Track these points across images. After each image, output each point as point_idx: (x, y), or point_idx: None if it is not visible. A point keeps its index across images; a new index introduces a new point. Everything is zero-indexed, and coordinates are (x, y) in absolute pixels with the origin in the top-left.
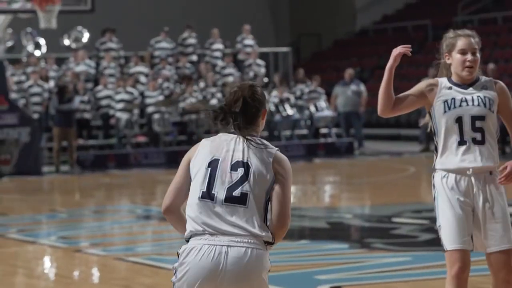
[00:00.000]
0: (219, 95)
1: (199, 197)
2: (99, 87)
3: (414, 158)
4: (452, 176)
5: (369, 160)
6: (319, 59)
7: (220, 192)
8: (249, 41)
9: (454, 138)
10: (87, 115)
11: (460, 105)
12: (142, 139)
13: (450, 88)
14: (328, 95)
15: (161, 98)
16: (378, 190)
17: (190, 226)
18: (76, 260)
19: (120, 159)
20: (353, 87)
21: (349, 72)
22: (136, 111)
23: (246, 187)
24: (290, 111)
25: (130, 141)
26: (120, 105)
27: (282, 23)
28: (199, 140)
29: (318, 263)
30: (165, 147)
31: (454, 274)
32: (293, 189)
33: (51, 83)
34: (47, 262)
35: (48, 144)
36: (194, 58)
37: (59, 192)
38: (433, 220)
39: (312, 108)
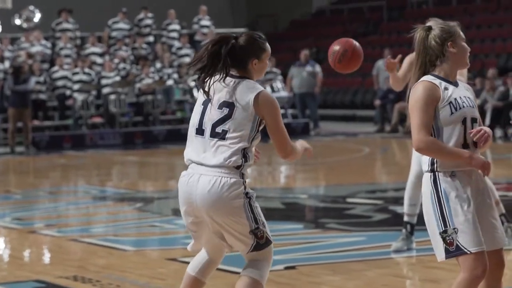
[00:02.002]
0: (175, 75)
1: (194, 133)
2: (55, 68)
3: (369, 139)
4: (460, 177)
5: (325, 140)
6: (276, 40)
7: (207, 128)
8: (206, 22)
9: (459, 142)
10: (42, 96)
11: (463, 106)
12: (98, 120)
13: (446, 88)
14: (285, 76)
15: (117, 79)
16: (333, 171)
17: (186, 156)
18: (31, 241)
19: (76, 140)
20: (308, 68)
21: (304, 53)
22: (93, 92)
23: (228, 124)
24: None
25: (86, 122)
26: (77, 86)
27: (238, 4)
28: (155, 121)
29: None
30: (121, 128)
31: (477, 277)
32: (248, 170)
33: (6, 64)
34: (1, 243)
35: (3, 125)
36: (151, 39)
37: (14, 173)
38: (388, 200)
39: (268, 89)
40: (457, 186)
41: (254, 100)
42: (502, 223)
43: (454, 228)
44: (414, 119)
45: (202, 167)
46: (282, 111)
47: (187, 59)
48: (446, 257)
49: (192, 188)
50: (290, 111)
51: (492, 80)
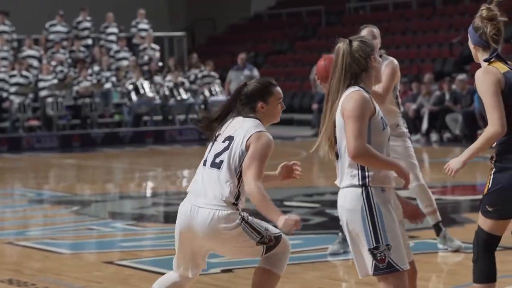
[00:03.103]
0: (113, 79)
1: (202, 163)
2: None
3: (306, 143)
4: (388, 193)
5: None
6: (214, 43)
7: (209, 158)
8: (144, 25)
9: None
10: None
11: (386, 125)
12: (35, 122)
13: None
14: (223, 79)
15: (55, 81)
16: None
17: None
18: None
19: (12, 143)
20: (246, 72)
21: (241, 57)
22: (30, 95)
23: (225, 155)
24: (184, 95)
25: (23, 125)
26: (14, 89)
27: (177, 8)
28: (92, 124)
29: None
30: (59, 131)
31: None
32: (185, 173)
33: None
34: None
35: None
36: (89, 41)
37: None
38: (324, 203)
39: (206, 93)
40: (387, 202)
41: (250, 138)
42: (440, 230)
43: (387, 245)
44: (351, 127)
45: (200, 198)
46: None
47: (125, 62)
48: (374, 274)
49: (191, 218)
50: None
51: (428, 85)
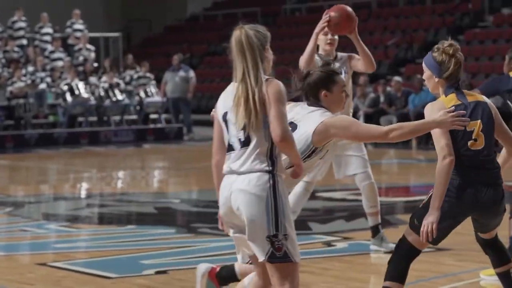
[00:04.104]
0: (48, 79)
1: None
2: None
3: None
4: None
5: (198, 145)
6: (150, 44)
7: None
8: (79, 25)
9: None
10: None
11: None
12: None
13: None
14: (159, 81)
15: None
16: (206, 176)
17: None
18: None
19: None
20: (181, 73)
21: (176, 58)
22: None
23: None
24: (119, 96)
25: None
26: None
27: (113, 8)
28: (26, 125)
29: (144, 248)
30: None
31: (298, 285)
32: (120, 174)
33: None
34: None
35: None
36: (23, 42)
37: None
38: None
39: (142, 94)
40: (286, 191)
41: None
42: (378, 232)
43: (285, 235)
44: (278, 110)
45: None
46: (155, 115)
47: (60, 63)
48: (269, 261)
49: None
50: (163, 116)
51: (363, 87)
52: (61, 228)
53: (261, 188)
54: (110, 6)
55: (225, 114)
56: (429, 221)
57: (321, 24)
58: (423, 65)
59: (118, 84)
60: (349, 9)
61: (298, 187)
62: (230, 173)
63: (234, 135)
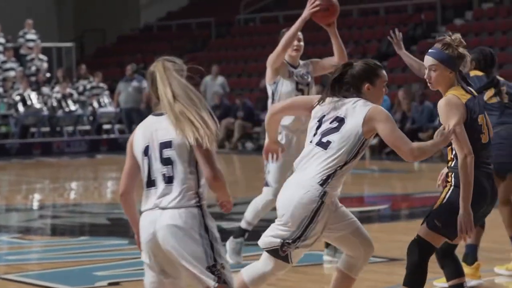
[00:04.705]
0: (0, 90)
1: (308, 141)
2: None
3: None
4: None
5: None
6: (103, 54)
7: (316, 137)
8: (32, 35)
9: None
10: None
11: None
12: None
13: None
14: (112, 91)
15: None
16: None
17: None
18: None
19: None
20: (134, 83)
21: (129, 68)
22: None
23: (333, 136)
24: (72, 106)
25: None
26: None
27: (66, 18)
28: None
29: (97, 259)
30: None
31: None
32: (74, 185)
33: None
34: None
35: None
36: None
37: None
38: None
39: (95, 104)
40: (213, 221)
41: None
42: None
43: (222, 263)
44: (208, 150)
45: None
46: (109, 126)
47: (12, 73)
48: None
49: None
50: (117, 126)
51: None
52: (13, 240)
53: (192, 222)
54: (63, 16)
55: (146, 148)
56: (467, 221)
57: (310, 8)
58: (434, 61)
59: (71, 95)
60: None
61: (269, 195)
62: (154, 208)
63: (158, 170)
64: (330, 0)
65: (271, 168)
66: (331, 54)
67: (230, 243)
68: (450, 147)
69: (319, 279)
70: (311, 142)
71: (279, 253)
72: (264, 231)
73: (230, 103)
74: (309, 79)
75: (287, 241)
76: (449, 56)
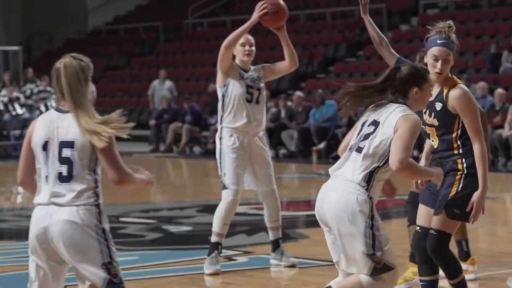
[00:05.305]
0: None
1: (348, 149)
2: None
3: (144, 158)
4: None
5: None
6: (51, 58)
7: (355, 144)
8: None
9: None
10: None
11: None
12: None
13: None
14: None
15: None
16: (107, 190)
17: None
18: None
19: None
20: None
21: None
22: None
23: (368, 140)
24: (19, 110)
25: None
26: None
27: (12, 21)
28: None
29: None
30: None
31: None
32: (21, 189)
33: None
34: None
35: None
36: None
37: None
38: (161, 219)
39: (43, 108)
40: (107, 220)
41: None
42: (279, 246)
43: (116, 261)
44: (112, 153)
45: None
46: None
47: None
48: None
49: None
50: None
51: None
52: None
53: (89, 220)
54: (10, 18)
55: (46, 143)
56: (483, 199)
57: (258, 11)
58: (446, 49)
59: (18, 98)
60: (283, 3)
61: (229, 196)
62: (50, 205)
63: (55, 167)
64: (278, 4)
65: (227, 170)
66: (278, 59)
67: (206, 261)
68: (455, 135)
69: (265, 282)
70: (350, 148)
71: (378, 267)
72: None
73: (178, 107)
74: (261, 84)
75: (367, 253)
76: (455, 43)
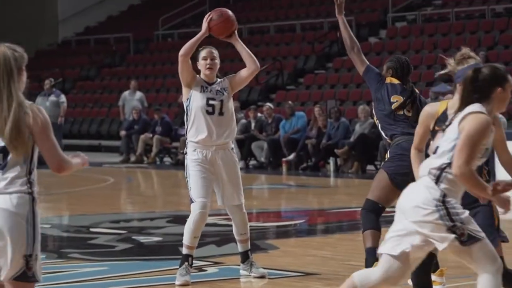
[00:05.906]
0: None
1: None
2: None
3: (114, 169)
4: None
5: None
6: None
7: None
8: None
9: None
10: None
11: None
12: None
13: None
14: None
15: None
16: (77, 200)
17: None
18: None
19: None
20: (52, 97)
21: (47, 83)
22: None
23: (441, 140)
24: None
25: None
26: None
27: None
28: None
29: None
30: None
31: None
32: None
33: None
34: None
35: None
36: None
37: None
38: (131, 230)
39: None
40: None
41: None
42: (248, 257)
43: (36, 255)
44: (49, 139)
45: None
46: None
47: None
48: (17, 279)
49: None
50: None
51: (235, 113)
52: None
53: (22, 208)
54: None
55: None
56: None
57: (205, 23)
58: (458, 80)
59: None
60: (230, 12)
61: (196, 209)
62: None
63: None
64: (222, 14)
65: (192, 184)
66: (238, 70)
67: (177, 272)
68: None
69: None
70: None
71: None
72: None
73: (149, 118)
74: (224, 95)
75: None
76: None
